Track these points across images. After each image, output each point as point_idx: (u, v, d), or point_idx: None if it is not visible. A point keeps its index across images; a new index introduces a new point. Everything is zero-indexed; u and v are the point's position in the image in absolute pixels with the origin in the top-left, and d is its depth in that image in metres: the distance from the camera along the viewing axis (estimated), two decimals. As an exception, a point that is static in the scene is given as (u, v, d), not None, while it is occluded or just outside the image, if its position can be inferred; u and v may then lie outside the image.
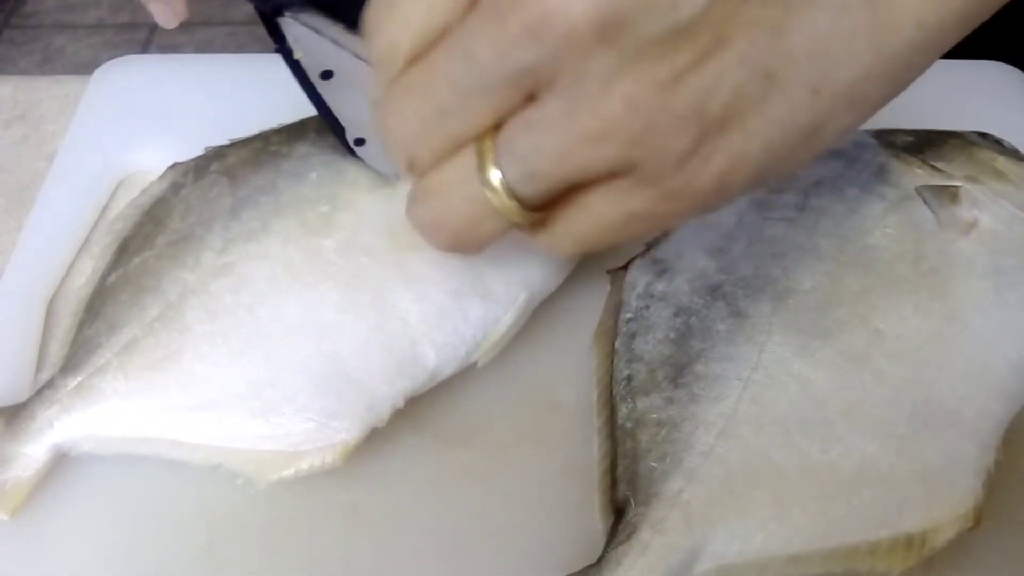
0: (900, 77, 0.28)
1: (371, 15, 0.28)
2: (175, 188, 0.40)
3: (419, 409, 0.37)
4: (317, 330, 0.36)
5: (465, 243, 0.30)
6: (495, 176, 0.27)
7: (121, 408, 0.35)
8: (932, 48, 0.28)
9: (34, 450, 0.35)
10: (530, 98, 0.26)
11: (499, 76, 0.25)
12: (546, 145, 0.26)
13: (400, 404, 0.36)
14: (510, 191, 0.27)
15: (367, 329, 0.36)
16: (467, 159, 0.28)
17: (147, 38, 1.91)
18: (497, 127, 0.27)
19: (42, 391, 0.35)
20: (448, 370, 0.37)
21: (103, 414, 0.35)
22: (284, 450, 0.35)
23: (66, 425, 0.35)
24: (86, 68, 0.52)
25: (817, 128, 0.27)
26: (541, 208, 0.28)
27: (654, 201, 0.27)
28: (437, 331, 0.36)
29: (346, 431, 0.35)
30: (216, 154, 0.41)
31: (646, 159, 0.26)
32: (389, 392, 0.35)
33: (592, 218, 0.28)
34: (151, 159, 0.46)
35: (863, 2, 0.26)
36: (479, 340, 0.37)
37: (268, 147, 0.40)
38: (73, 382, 0.35)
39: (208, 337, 0.35)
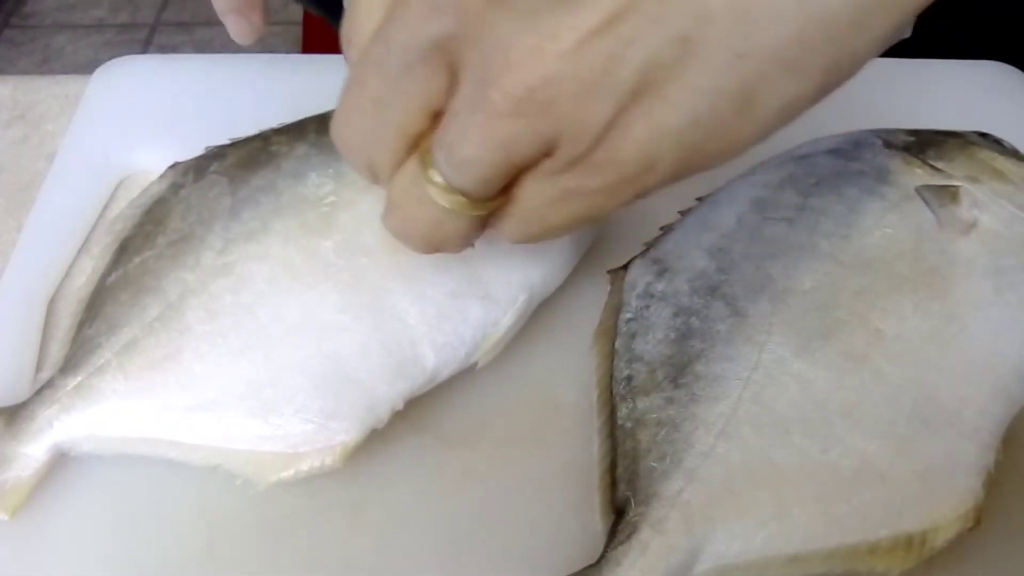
0: (847, 43, 0.25)
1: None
2: (175, 188, 0.40)
3: (419, 409, 0.37)
4: (316, 330, 0.36)
5: (440, 245, 0.30)
6: (435, 175, 0.27)
7: (120, 408, 0.35)
8: (882, 9, 0.25)
9: (34, 450, 0.35)
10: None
11: (414, 53, 0.25)
12: (467, 131, 0.25)
13: (400, 405, 0.36)
14: (450, 186, 0.27)
15: (366, 330, 0.36)
16: (414, 162, 0.28)
17: (147, 38, 1.91)
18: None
19: (42, 391, 0.35)
20: (447, 371, 0.37)
21: (102, 414, 0.35)
22: (283, 451, 0.35)
23: (65, 425, 0.35)
24: (86, 68, 0.52)
25: (748, 96, 0.25)
26: (493, 197, 0.28)
27: (583, 176, 0.26)
28: (436, 332, 0.36)
29: (345, 432, 0.35)
30: (216, 154, 0.41)
31: (562, 132, 0.25)
32: (388, 393, 0.35)
33: (533, 200, 0.27)
34: (151, 159, 0.46)
35: None
36: (478, 341, 0.37)
37: (268, 147, 0.40)
38: (73, 382, 0.35)
39: (208, 337, 0.35)
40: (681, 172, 0.26)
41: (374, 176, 0.29)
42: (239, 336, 0.35)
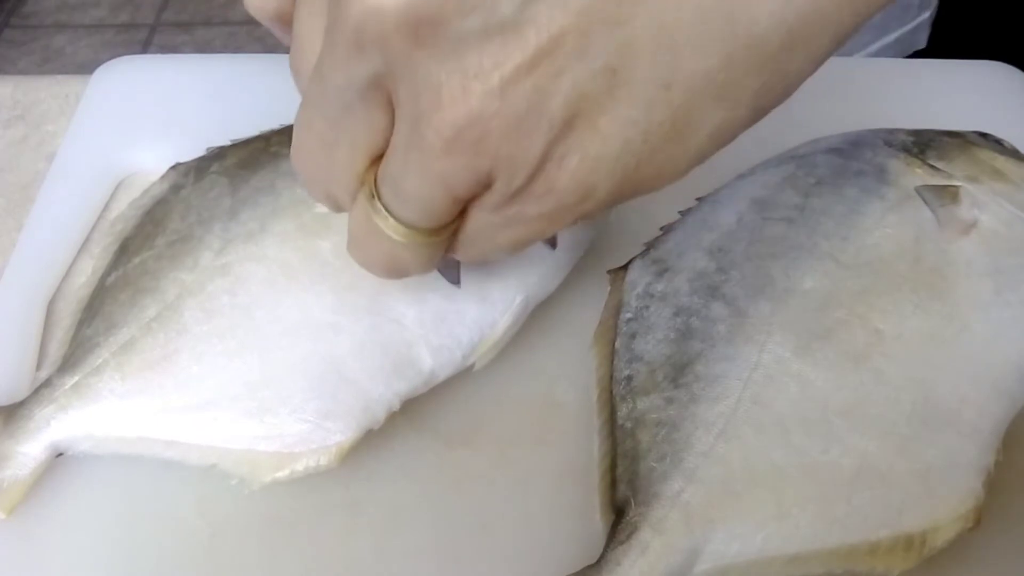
0: (779, 65, 0.25)
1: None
2: (175, 189, 0.40)
3: (419, 409, 0.37)
4: (313, 331, 0.36)
5: (402, 273, 0.30)
6: (383, 209, 0.27)
7: (118, 408, 0.35)
8: (815, 30, 0.25)
9: (31, 449, 0.35)
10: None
11: (351, 93, 0.25)
12: (407, 168, 0.26)
13: (396, 406, 0.36)
14: (397, 219, 0.27)
15: (363, 331, 0.36)
16: (363, 197, 0.28)
17: (147, 38, 1.91)
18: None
19: (40, 390, 0.35)
20: (444, 372, 0.37)
21: (100, 413, 0.35)
22: (279, 451, 0.35)
23: (63, 424, 0.35)
24: (86, 68, 0.52)
25: (679, 124, 0.25)
26: (445, 226, 0.28)
27: (523, 205, 0.26)
28: (433, 333, 0.36)
29: (341, 433, 0.35)
30: (217, 155, 0.41)
31: (497, 167, 0.25)
32: (385, 394, 0.35)
33: (479, 227, 0.28)
34: (151, 159, 0.46)
35: None
36: (475, 343, 0.37)
37: (268, 148, 0.41)
38: (70, 381, 0.35)
39: (205, 338, 0.35)
40: (620, 197, 0.27)
41: (336, 207, 0.30)
42: (236, 337, 0.35)
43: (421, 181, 0.26)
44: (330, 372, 0.35)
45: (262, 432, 0.35)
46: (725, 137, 0.26)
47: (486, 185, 0.26)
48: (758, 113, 0.26)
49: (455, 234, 0.28)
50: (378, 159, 0.27)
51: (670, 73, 0.24)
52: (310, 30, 0.27)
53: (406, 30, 0.23)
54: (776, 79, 0.25)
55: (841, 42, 0.26)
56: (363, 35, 0.23)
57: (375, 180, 0.27)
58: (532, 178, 0.25)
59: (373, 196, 0.27)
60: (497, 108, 0.24)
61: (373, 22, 0.23)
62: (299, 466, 0.34)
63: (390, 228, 0.27)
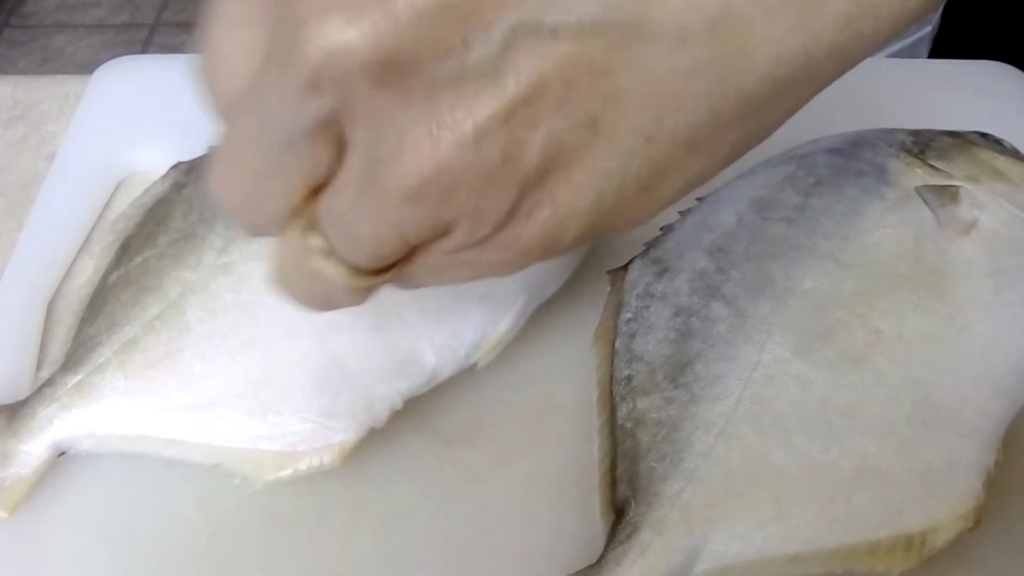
0: (761, 116, 0.24)
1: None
2: (177, 187, 0.40)
3: (419, 409, 0.37)
4: (315, 330, 0.35)
5: (332, 307, 0.27)
6: (318, 245, 0.25)
7: (120, 406, 0.35)
8: (800, 83, 0.24)
9: (33, 447, 0.35)
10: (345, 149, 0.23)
11: (297, 131, 0.22)
12: (357, 210, 0.23)
13: (399, 405, 0.36)
14: (336, 258, 0.25)
15: (366, 329, 0.36)
16: (296, 232, 0.25)
17: (147, 38, 1.91)
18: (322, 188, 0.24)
19: (42, 389, 0.35)
20: (447, 371, 0.37)
21: (102, 412, 0.35)
22: (281, 450, 0.35)
23: (65, 423, 0.35)
24: (86, 68, 0.52)
25: (656, 177, 0.24)
26: (388, 267, 0.25)
27: (482, 252, 0.25)
28: (436, 332, 0.36)
29: (343, 432, 0.35)
30: None
31: (461, 220, 0.23)
32: (387, 392, 0.35)
33: (426, 267, 0.26)
34: (151, 159, 0.46)
35: (706, 34, 0.22)
36: (478, 341, 0.37)
37: None
38: (73, 380, 0.35)
39: (207, 336, 0.35)
40: (584, 242, 0.26)
41: (258, 235, 0.26)
42: (238, 335, 0.35)
43: (372, 226, 0.23)
44: (333, 371, 0.35)
45: (265, 431, 0.35)
46: (696, 185, 0.25)
47: (443, 233, 0.24)
48: (731, 161, 0.25)
49: (396, 267, 0.26)
50: (316, 190, 0.24)
51: (654, 126, 0.23)
52: (236, 45, 0.23)
53: (372, 72, 0.21)
54: (756, 130, 0.25)
55: (820, 91, 0.25)
56: (321, 75, 0.21)
57: (313, 215, 0.24)
58: (498, 229, 0.24)
59: (309, 230, 0.25)
60: (468, 160, 0.22)
61: (335, 63, 0.21)
62: (302, 465, 0.34)
63: (329, 267, 0.25)
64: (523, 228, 0.24)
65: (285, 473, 0.34)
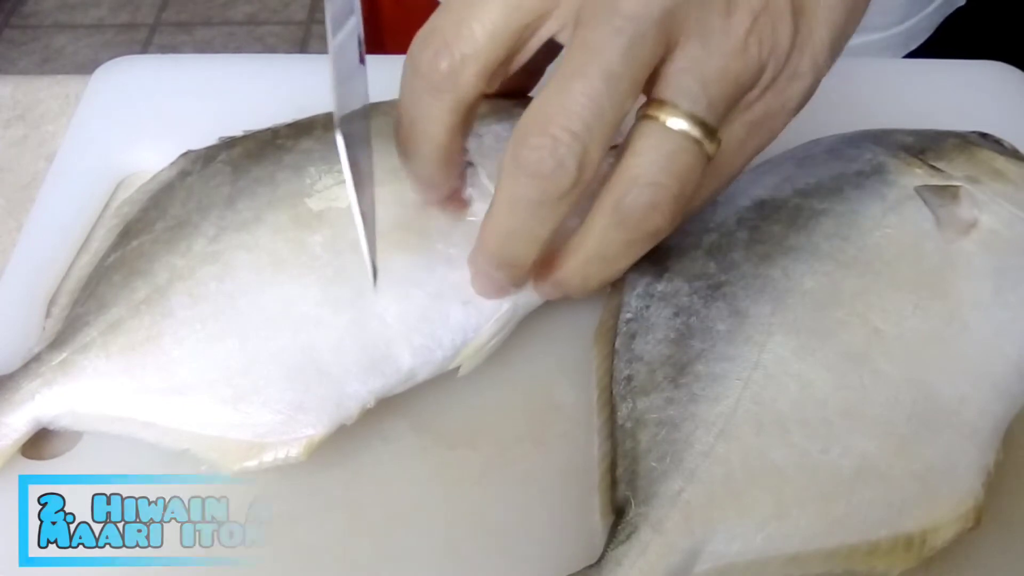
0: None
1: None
2: (183, 175, 0.40)
3: (419, 409, 0.37)
4: (294, 323, 0.36)
5: (687, 200, 0.32)
6: (679, 123, 0.31)
7: (99, 386, 0.35)
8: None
9: (14, 420, 0.35)
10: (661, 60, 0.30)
11: (646, 23, 0.29)
12: (707, 74, 0.31)
13: (371, 403, 0.36)
14: (701, 123, 0.31)
15: (343, 325, 0.36)
16: (646, 131, 0.31)
17: (147, 38, 1.91)
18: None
19: (28, 364, 0.36)
20: (424, 373, 0.37)
21: (82, 390, 0.35)
22: (249, 440, 0.34)
23: (47, 399, 0.35)
24: (86, 68, 0.52)
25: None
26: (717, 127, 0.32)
27: (772, 100, 0.33)
28: (415, 333, 0.36)
29: (312, 426, 0.35)
30: (227, 144, 0.41)
31: (768, 60, 0.31)
32: (360, 390, 0.35)
33: (744, 127, 0.33)
34: (151, 159, 0.46)
35: None
36: (458, 346, 0.37)
37: (275, 140, 0.41)
38: (58, 357, 0.36)
39: (188, 322, 0.35)
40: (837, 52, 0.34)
41: (576, 173, 0.30)
42: (217, 323, 0.35)
43: (720, 81, 0.31)
44: (307, 364, 0.35)
45: (236, 420, 0.35)
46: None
47: (749, 87, 0.32)
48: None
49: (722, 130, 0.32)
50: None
51: None
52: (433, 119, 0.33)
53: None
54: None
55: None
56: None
57: (660, 105, 0.31)
58: (784, 66, 0.32)
59: (664, 117, 0.31)
60: (769, 13, 0.31)
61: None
62: (267, 456, 0.34)
63: (695, 129, 0.31)
64: (801, 57, 0.33)
65: (251, 463, 0.34)
